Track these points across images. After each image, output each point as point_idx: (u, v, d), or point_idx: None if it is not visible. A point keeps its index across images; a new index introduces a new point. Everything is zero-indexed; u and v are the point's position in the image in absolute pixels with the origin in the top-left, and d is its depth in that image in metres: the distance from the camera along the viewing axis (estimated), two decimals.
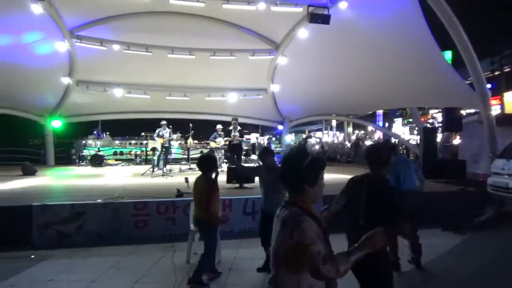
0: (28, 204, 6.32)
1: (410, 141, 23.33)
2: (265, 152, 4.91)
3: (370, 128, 41.45)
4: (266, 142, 21.30)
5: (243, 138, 12.90)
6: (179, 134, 13.49)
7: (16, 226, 6.12)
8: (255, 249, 5.22)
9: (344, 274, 1.64)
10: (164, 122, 12.86)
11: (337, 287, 1.85)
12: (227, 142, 12.70)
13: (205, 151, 20.20)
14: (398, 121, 46.04)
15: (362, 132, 49.37)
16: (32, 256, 5.46)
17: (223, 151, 13.46)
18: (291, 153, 1.87)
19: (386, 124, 42.34)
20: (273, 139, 29.80)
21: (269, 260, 4.85)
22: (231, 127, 11.97)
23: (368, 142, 31.80)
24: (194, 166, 13.97)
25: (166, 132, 12.71)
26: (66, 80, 16.11)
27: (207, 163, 4.57)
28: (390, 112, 38.75)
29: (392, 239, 4.63)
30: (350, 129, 46.83)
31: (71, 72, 15.95)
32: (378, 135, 42.21)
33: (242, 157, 15.05)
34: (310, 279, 1.64)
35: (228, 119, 12.95)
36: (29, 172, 11.80)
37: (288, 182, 1.82)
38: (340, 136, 49.48)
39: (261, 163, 5.01)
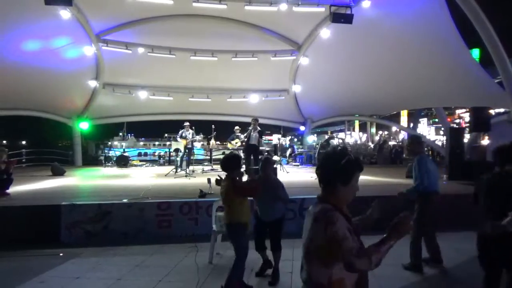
0: (57, 203, 6.51)
1: (436, 142, 22.71)
2: (266, 163, 4.85)
3: (394, 128, 40.66)
4: (288, 143, 21.23)
5: (262, 139, 12.83)
6: (201, 135, 13.61)
7: (46, 225, 6.31)
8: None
9: (377, 266, 1.68)
10: (187, 124, 13.00)
11: (367, 278, 1.89)
12: (243, 143, 12.71)
13: (227, 152, 20.42)
14: (423, 121, 44.94)
15: (386, 132, 48.45)
16: (61, 254, 5.62)
17: (240, 152, 13.53)
18: (332, 152, 1.94)
19: (411, 125, 41.34)
20: (295, 140, 29.60)
21: (266, 264, 4.80)
22: (250, 127, 11.95)
23: (392, 143, 31.19)
24: (216, 167, 14.08)
25: (189, 133, 12.83)
26: (93, 83, 16.56)
27: (229, 163, 4.36)
28: (415, 112, 37.79)
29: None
30: (373, 130, 46.07)
31: (97, 75, 16.38)
32: (403, 135, 41.30)
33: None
34: (341, 271, 1.70)
35: (249, 120, 12.94)
36: (58, 173, 12.17)
37: (324, 178, 1.87)
38: (363, 137, 48.74)
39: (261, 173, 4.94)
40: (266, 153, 16.27)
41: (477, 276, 4.87)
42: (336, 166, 1.82)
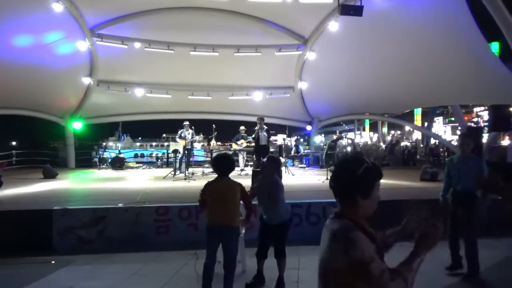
0: (49, 208, 6.54)
1: (452, 142, 22.62)
2: (270, 162, 4.85)
3: (407, 128, 40.55)
4: (293, 143, 21.21)
5: (271, 139, 12.87)
6: (201, 136, 13.65)
7: (37, 231, 6.35)
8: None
9: (412, 285, 1.61)
10: (186, 123, 13.03)
11: None
12: (250, 143, 12.71)
13: (229, 153, 20.42)
14: (438, 120, 44.82)
15: (399, 132, 48.34)
16: (53, 262, 5.64)
17: (245, 153, 13.56)
18: (345, 159, 1.83)
19: (425, 124, 41.20)
20: (301, 140, 29.55)
21: (259, 278, 4.81)
22: (257, 127, 11.94)
23: (405, 143, 31.11)
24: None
25: (188, 133, 12.87)
26: (87, 80, 16.63)
27: (228, 163, 4.46)
28: (429, 110, 37.65)
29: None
30: (385, 130, 46.00)
31: (92, 72, 16.46)
32: (416, 135, 41.21)
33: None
34: None
35: (253, 119, 12.93)
36: (50, 175, 12.22)
37: (340, 191, 1.76)
38: (374, 137, 48.65)
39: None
40: (270, 153, 16.32)
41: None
42: (352, 177, 1.70)
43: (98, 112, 18.67)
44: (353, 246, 1.57)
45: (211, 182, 4.42)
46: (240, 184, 4.38)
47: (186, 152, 12.79)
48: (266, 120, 12.80)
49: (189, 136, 12.81)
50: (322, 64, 16.42)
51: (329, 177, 1.86)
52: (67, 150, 18.09)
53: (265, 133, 11.89)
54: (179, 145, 12.58)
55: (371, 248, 1.60)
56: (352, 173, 1.71)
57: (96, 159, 17.35)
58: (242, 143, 13.31)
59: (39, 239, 6.29)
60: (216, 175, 4.45)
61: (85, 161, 18.79)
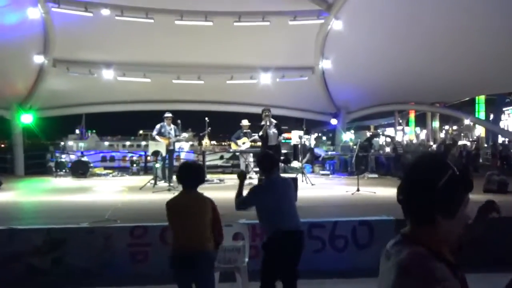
0: None
1: None
2: (273, 162, 5.25)
3: (466, 122, 40.35)
4: (313, 142, 21.20)
5: (281, 137, 12.83)
6: (190, 132, 13.60)
7: None
8: None
9: None
10: (168, 115, 13.05)
11: None
12: (256, 143, 12.70)
13: (226, 155, 20.49)
14: (508, 111, 44.47)
15: (454, 128, 48.18)
16: None
17: (251, 155, 13.48)
18: (421, 162, 1.76)
19: (490, 116, 41.00)
20: (324, 138, 29.52)
21: None
22: (263, 122, 11.91)
23: (463, 143, 30.96)
24: (210, 176, 14.09)
25: (170, 129, 12.89)
26: (39, 59, 16.66)
27: (193, 175, 4.58)
28: (496, 98, 37.48)
29: None
30: (436, 124, 45.77)
31: (46, 48, 16.48)
32: (479, 132, 41.01)
33: (280, 164, 14.98)
34: None
35: (259, 110, 12.93)
36: None
37: (411, 208, 1.69)
38: (422, 133, 48.51)
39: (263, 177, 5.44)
40: (283, 157, 16.30)
41: None
42: (432, 188, 1.62)
43: (54, 102, 18.74)
44: (433, 284, 1.50)
45: (174, 198, 4.54)
46: (211, 201, 4.48)
47: (169, 154, 12.81)
48: (277, 111, 12.78)
49: (172, 133, 12.83)
50: (351, 37, 16.35)
51: (397, 189, 1.77)
52: (14, 152, 18.15)
53: (274, 130, 11.85)
54: (161, 145, 12.60)
55: (456, 286, 1.55)
56: (431, 182, 1.62)
57: (52, 164, 17.40)
58: (244, 143, 13.29)
59: None
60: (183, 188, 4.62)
61: (38, 166, 18.85)
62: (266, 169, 5.17)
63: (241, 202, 5.09)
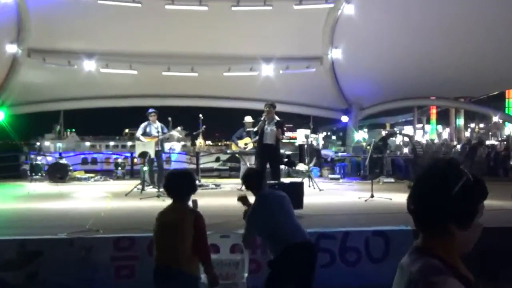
0: None
1: None
2: (260, 180, 5.35)
3: (495, 119, 40.30)
4: (321, 142, 21.19)
5: (284, 136, 12.79)
6: (179, 129, 13.47)
7: None
8: None
9: None
10: (152, 111, 13.03)
11: None
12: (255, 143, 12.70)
13: (223, 157, 20.49)
14: None
15: (481, 126, 48.12)
16: None
17: (253, 157, 13.47)
18: (433, 168, 1.80)
19: None
20: (333, 138, 29.53)
21: None
22: (263, 117, 11.90)
23: (491, 142, 30.93)
24: (205, 181, 14.08)
25: (157, 127, 12.89)
26: (12, 49, 16.69)
27: (180, 185, 4.66)
28: None
29: None
30: (460, 122, 45.75)
31: (19, 36, 16.51)
32: (510, 130, 40.91)
33: (281, 166, 14.96)
34: None
35: (260, 106, 12.91)
36: None
37: (424, 217, 1.74)
38: (444, 132, 48.47)
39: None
40: (286, 159, 16.30)
41: None
42: (445, 196, 1.65)
43: (29, 97, 18.76)
44: None
45: (162, 210, 4.71)
46: (196, 216, 4.51)
47: (156, 155, 12.81)
48: (281, 107, 12.72)
49: (156, 132, 12.82)
50: (364, 23, 16.36)
51: (406, 196, 1.80)
52: None
53: (273, 127, 11.85)
54: (149, 145, 12.60)
55: None
56: (445, 190, 1.66)
57: (26, 167, 17.40)
58: (247, 144, 13.24)
59: None
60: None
61: (10, 169, 18.82)
62: (253, 188, 5.22)
63: (244, 237, 5.17)
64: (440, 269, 1.61)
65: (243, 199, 5.32)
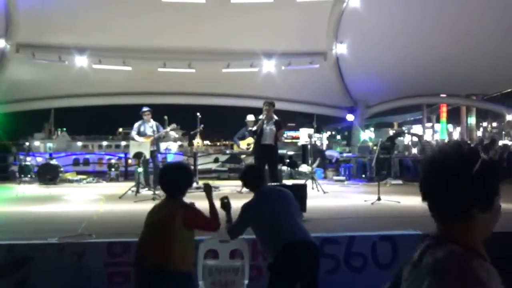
0: None
1: None
2: (259, 177, 5.48)
3: (508, 117, 40.24)
4: (325, 142, 21.18)
5: (283, 136, 12.84)
6: (174, 127, 13.42)
7: None
8: None
9: None
10: (145, 109, 13.04)
11: None
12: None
13: (222, 158, 20.49)
14: None
15: (494, 125, 48.10)
16: None
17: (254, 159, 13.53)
18: (448, 148, 1.78)
19: None
20: (338, 137, 29.54)
21: None
22: (262, 116, 11.91)
23: (504, 142, 30.93)
24: (203, 183, 14.07)
25: (151, 126, 12.90)
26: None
27: (174, 179, 4.62)
28: None
29: None
30: (472, 121, 45.71)
31: (7, 30, 16.50)
32: None
33: (283, 168, 14.97)
34: None
35: (261, 104, 12.93)
36: None
37: (441, 202, 1.72)
38: (455, 131, 48.45)
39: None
40: (288, 160, 16.31)
41: None
42: (468, 177, 1.64)
43: (17, 94, 18.78)
44: (477, 282, 1.51)
45: (154, 206, 4.74)
46: (183, 207, 4.48)
47: (151, 156, 12.82)
48: (282, 105, 12.74)
49: (150, 131, 12.82)
50: (371, 16, 16.35)
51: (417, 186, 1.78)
52: None
53: (272, 126, 11.87)
54: (144, 145, 12.60)
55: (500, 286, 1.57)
56: (466, 170, 1.65)
57: (15, 168, 17.41)
58: (249, 144, 13.25)
59: None
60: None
61: None
62: (253, 185, 5.29)
63: (233, 227, 5.13)
64: (471, 254, 1.61)
65: (224, 205, 5.30)
